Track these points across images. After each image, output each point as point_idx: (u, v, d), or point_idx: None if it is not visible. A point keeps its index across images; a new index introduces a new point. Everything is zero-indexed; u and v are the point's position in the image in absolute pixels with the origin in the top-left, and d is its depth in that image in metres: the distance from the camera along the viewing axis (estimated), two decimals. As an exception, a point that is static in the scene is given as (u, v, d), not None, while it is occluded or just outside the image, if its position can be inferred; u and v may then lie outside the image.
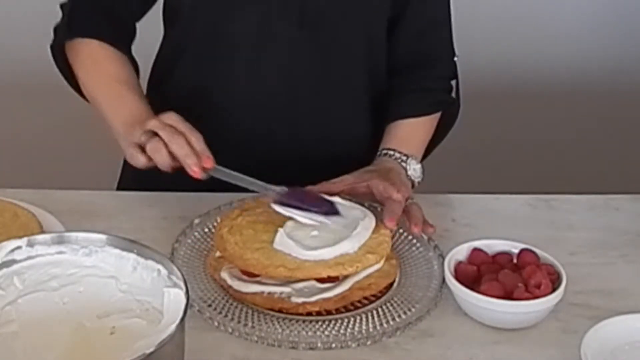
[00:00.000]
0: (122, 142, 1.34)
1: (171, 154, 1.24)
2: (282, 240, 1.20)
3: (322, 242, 1.20)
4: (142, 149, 1.27)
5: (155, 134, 1.26)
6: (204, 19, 1.45)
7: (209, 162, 1.24)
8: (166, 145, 1.24)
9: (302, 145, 1.49)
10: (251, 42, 1.44)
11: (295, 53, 1.44)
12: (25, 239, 1.03)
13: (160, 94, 1.52)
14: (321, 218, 1.23)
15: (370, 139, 1.54)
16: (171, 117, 1.28)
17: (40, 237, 1.05)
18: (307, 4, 1.42)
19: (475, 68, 2.53)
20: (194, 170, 1.23)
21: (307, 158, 1.49)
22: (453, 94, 1.54)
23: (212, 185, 1.40)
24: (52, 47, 1.47)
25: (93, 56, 1.44)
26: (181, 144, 1.23)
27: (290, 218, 1.25)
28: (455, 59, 1.54)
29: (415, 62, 1.52)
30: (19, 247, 1.03)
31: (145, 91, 1.57)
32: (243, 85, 1.46)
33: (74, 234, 1.05)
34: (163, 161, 1.25)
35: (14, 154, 2.60)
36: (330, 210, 1.24)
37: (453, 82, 1.54)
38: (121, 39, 1.46)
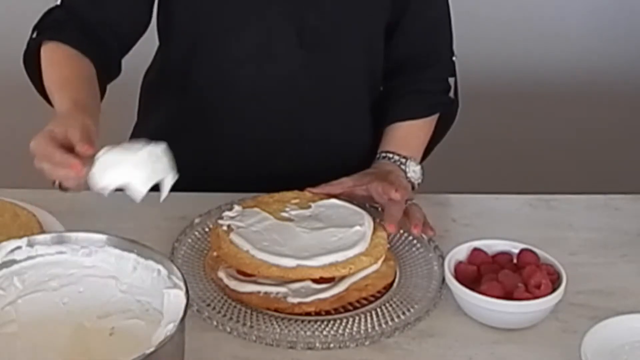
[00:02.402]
0: None
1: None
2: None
3: (316, 250, 1.20)
4: None
5: None
6: (202, 40, 1.45)
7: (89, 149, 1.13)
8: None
9: (303, 155, 1.49)
10: (251, 62, 1.43)
11: (296, 71, 1.44)
12: (25, 239, 1.04)
13: (159, 107, 1.52)
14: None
15: (370, 145, 1.54)
16: (38, 141, 1.15)
17: (40, 237, 1.05)
18: (306, 24, 1.41)
19: (475, 68, 2.53)
20: (75, 168, 1.12)
21: (307, 164, 1.49)
22: (451, 94, 1.54)
23: (212, 185, 1.40)
24: (25, 53, 1.42)
25: (51, 55, 1.37)
26: (49, 171, 1.15)
27: (288, 219, 1.27)
28: (454, 58, 1.54)
29: (413, 64, 1.52)
30: (19, 247, 1.03)
31: (138, 98, 1.57)
32: (244, 102, 1.46)
33: (74, 234, 1.05)
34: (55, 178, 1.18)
35: (14, 154, 2.59)
36: None
37: (451, 80, 1.54)
38: (86, 44, 1.37)
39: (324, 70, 1.46)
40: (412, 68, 1.52)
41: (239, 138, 1.48)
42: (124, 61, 1.47)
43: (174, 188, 1.43)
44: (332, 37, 1.44)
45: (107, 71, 1.40)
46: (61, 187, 1.19)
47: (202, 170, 1.45)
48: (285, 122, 1.47)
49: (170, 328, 0.91)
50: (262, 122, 1.47)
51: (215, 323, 1.15)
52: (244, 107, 1.47)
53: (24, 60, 1.43)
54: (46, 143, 1.14)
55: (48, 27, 1.40)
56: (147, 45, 1.56)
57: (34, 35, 1.41)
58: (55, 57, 1.37)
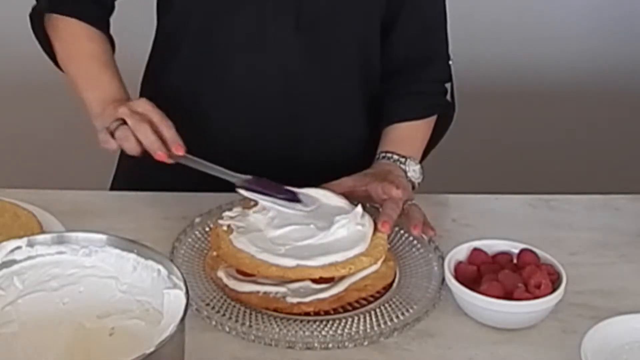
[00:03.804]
0: (95, 122, 1.37)
1: (139, 141, 1.28)
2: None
3: (316, 250, 1.20)
4: (113, 134, 1.31)
5: (125, 122, 1.30)
6: (197, 21, 1.45)
7: (180, 150, 1.28)
8: (133, 133, 1.28)
9: (298, 146, 1.49)
10: (246, 44, 1.44)
11: (291, 55, 1.44)
12: (25, 239, 1.03)
13: (155, 93, 1.52)
14: (283, 203, 1.27)
15: (365, 140, 1.54)
16: (141, 105, 1.32)
17: (40, 237, 1.04)
18: (303, 7, 1.42)
19: (475, 68, 2.53)
20: (159, 154, 1.27)
21: (302, 159, 1.49)
22: (448, 97, 1.54)
23: (210, 185, 1.40)
24: (31, 15, 1.49)
25: (70, 33, 1.46)
26: (146, 132, 1.28)
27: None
28: (450, 62, 1.54)
29: (410, 65, 1.52)
30: (19, 247, 1.03)
31: (139, 87, 1.57)
32: (238, 86, 1.46)
33: (74, 234, 1.05)
34: (131, 148, 1.29)
35: (14, 154, 2.60)
36: (293, 198, 1.28)
37: (448, 85, 1.54)
38: (99, 17, 1.48)
39: (318, 56, 1.46)
40: (409, 69, 1.52)
41: (232, 129, 1.47)
42: (122, 61, 1.48)
43: (174, 188, 1.44)
44: (328, 21, 1.44)
45: (112, 43, 1.49)
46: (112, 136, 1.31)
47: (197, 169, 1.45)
48: (279, 112, 1.47)
49: (170, 328, 0.90)
50: (255, 112, 1.47)
51: (214, 323, 1.15)
52: (237, 96, 1.46)
53: (32, 23, 1.49)
54: (143, 120, 1.28)
55: (57, 1, 1.46)
56: (147, 45, 1.56)
57: (41, 4, 1.47)
58: (79, 32, 1.45)
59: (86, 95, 1.41)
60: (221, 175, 1.30)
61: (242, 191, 1.27)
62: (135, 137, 1.28)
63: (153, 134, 1.27)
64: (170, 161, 1.28)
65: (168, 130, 1.28)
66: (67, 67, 1.46)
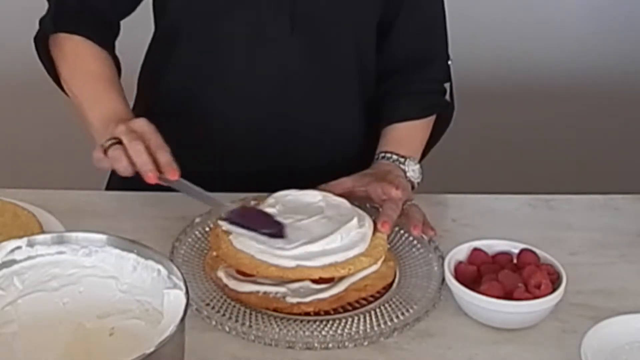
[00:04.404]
0: (97, 140, 1.35)
1: (131, 161, 1.24)
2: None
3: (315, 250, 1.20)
4: (106, 152, 1.27)
5: (120, 141, 1.25)
6: (195, 21, 1.45)
7: (175, 175, 1.23)
8: (127, 152, 1.24)
9: (295, 146, 1.49)
10: (242, 47, 1.44)
11: (287, 57, 1.44)
12: (25, 239, 1.03)
13: (150, 96, 1.52)
14: (264, 239, 1.20)
15: (362, 139, 1.54)
16: (139, 124, 1.27)
17: (40, 237, 1.05)
18: (298, 9, 1.42)
19: (475, 68, 2.53)
20: (149, 176, 1.22)
21: (299, 159, 1.49)
22: (447, 97, 1.54)
23: (207, 185, 1.40)
24: (35, 38, 1.48)
25: (75, 52, 1.44)
26: (140, 152, 1.23)
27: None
28: (450, 62, 1.54)
29: (409, 64, 1.53)
30: (19, 247, 1.03)
31: (135, 90, 1.57)
32: (237, 86, 1.46)
33: (74, 234, 1.05)
34: (123, 169, 1.25)
35: (14, 154, 2.60)
36: (278, 233, 1.21)
37: (447, 85, 1.54)
38: (105, 37, 1.47)
39: (317, 56, 1.46)
40: (408, 69, 1.53)
41: (231, 130, 1.47)
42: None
43: (174, 188, 1.43)
44: (323, 23, 1.44)
45: (118, 64, 1.48)
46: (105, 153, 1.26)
47: (193, 166, 1.45)
48: (278, 112, 1.47)
49: (170, 328, 0.91)
50: (254, 112, 1.47)
51: (214, 322, 1.15)
52: (236, 96, 1.46)
53: (37, 48, 1.48)
54: (138, 139, 1.23)
55: (63, 19, 1.44)
56: (143, 45, 1.56)
57: (45, 25, 1.46)
58: (85, 51, 1.43)
59: (90, 113, 1.38)
60: (209, 203, 1.26)
61: (223, 224, 1.23)
62: (128, 158, 1.24)
63: (147, 154, 1.23)
64: (162, 183, 1.24)
65: (163, 154, 1.23)
66: (70, 85, 1.44)
